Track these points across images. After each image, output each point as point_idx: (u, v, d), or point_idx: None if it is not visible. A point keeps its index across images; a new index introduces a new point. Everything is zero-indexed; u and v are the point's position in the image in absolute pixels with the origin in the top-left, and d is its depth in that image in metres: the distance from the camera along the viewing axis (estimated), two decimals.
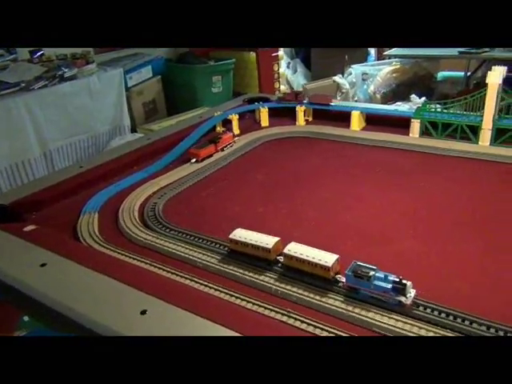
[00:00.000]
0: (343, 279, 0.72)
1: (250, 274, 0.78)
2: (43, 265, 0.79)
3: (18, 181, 2.06)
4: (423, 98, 2.80)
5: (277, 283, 0.75)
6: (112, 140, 2.44)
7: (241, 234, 0.82)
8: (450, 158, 1.25)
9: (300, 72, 4.22)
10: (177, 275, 0.79)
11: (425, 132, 1.37)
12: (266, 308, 0.70)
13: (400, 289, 0.67)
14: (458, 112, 1.33)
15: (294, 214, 1.01)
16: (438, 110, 1.36)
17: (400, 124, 1.41)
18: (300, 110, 1.53)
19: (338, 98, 3.71)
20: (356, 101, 3.56)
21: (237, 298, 0.72)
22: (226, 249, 0.86)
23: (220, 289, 0.74)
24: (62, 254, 0.81)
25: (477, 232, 0.91)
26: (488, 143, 1.26)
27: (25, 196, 1.08)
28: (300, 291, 0.73)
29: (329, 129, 1.47)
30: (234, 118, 1.51)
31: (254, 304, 0.71)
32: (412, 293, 0.68)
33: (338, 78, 3.76)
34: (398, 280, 0.68)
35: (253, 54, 3.18)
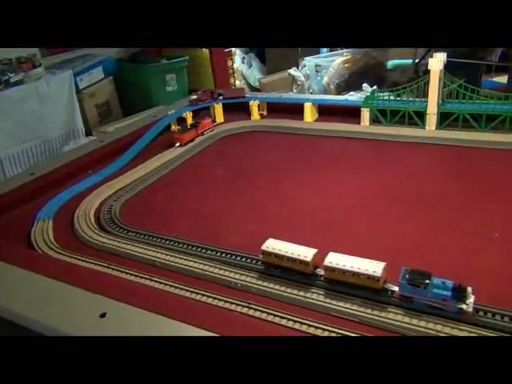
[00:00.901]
0: (393, 287, 0.67)
1: (211, 270, 0.79)
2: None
3: None
4: (374, 87, 2.87)
5: (237, 276, 0.76)
6: (66, 145, 2.38)
7: (275, 246, 0.75)
8: (400, 144, 1.30)
9: (255, 66, 4.23)
10: (136, 276, 0.79)
11: (375, 120, 1.41)
12: (225, 301, 0.71)
13: (461, 296, 0.62)
14: (405, 99, 1.38)
15: (253, 207, 1.03)
16: (386, 97, 1.41)
17: (351, 113, 1.45)
18: (254, 105, 1.55)
19: (294, 91, 3.76)
20: (311, 93, 3.61)
21: (197, 294, 0.73)
22: (185, 246, 0.86)
23: (181, 286, 0.75)
24: (17, 264, 0.79)
25: (426, 211, 0.95)
26: (434, 127, 1.32)
27: None
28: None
29: (283, 122, 1.50)
30: (188, 115, 1.50)
31: (219, 300, 0.71)
32: (472, 298, 0.62)
33: (292, 71, 3.80)
34: (457, 286, 0.62)
35: (206, 51, 3.16)
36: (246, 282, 0.75)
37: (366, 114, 1.40)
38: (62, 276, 0.75)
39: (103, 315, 0.66)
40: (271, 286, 0.74)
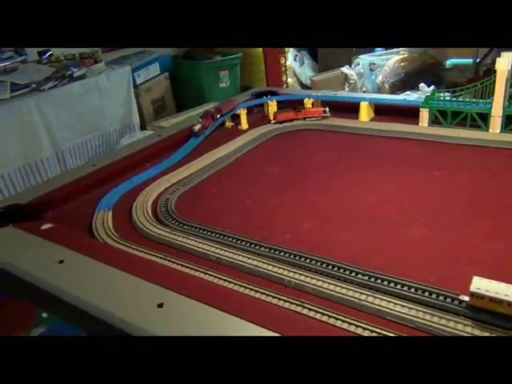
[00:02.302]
0: None
1: (265, 267, 0.79)
2: (61, 261, 0.81)
3: (32, 180, 2.09)
4: (432, 87, 2.77)
5: (290, 274, 0.76)
6: (122, 138, 2.47)
7: (487, 287, 0.62)
8: (461, 146, 1.25)
9: (307, 64, 4.20)
10: (191, 269, 0.81)
11: (434, 121, 1.36)
12: (279, 299, 0.71)
13: None
14: (468, 100, 1.32)
15: (307, 205, 1.02)
16: (447, 98, 1.36)
17: (409, 113, 1.41)
18: (308, 103, 1.54)
19: (346, 89, 3.70)
20: (364, 91, 3.55)
21: (251, 290, 0.74)
22: (239, 241, 0.87)
23: (234, 281, 0.76)
24: (80, 251, 0.83)
25: (487, 218, 0.91)
26: (498, 130, 1.26)
27: (40, 195, 1.10)
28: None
29: (338, 121, 1.48)
30: (243, 112, 1.51)
31: (273, 298, 0.72)
32: None
33: (345, 69, 3.74)
34: None
35: (259, 48, 3.18)
36: (299, 280, 0.75)
37: (425, 114, 1.36)
38: (121, 264, 0.78)
39: (161, 305, 0.68)
40: (325, 286, 0.73)
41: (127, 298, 0.70)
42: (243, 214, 1.00)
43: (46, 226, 0.94)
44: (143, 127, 2.66)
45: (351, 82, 3.71)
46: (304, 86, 4.10)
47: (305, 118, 1.47)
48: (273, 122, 1.48)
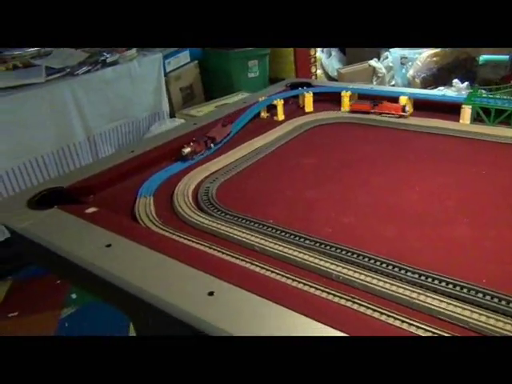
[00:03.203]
0: None
1: (311, 260, 0.79)
2: (109, 245, 0.82)
3: (65, 165, 2.12)
4: (466, 83, 2.72)
5: (338, 268, 0.76)
6: (151, 126, 2.48)
7: None
8: (504, 145, 1.22)
9: (334, 56, 4.16)
10: (236, 258, 0.81)
11: (476, 118, 1.33)
12: (328, 293, 0.70)
13: None
14: None
15: (345, 199, 1.01)
16: (490, 95, 1.32)
17: (447, 110, 1.38)
18: (345, 96, 1.52)
19: (374, 83, 3.65)
20: (393, 85, 3.49)
21: (299, 282, 0.74)
22: (283, 233, 0.87)
23: (281, 273, 0.76)
24: (126, 236, 0.84)
25: None
26: None
27: (81, 180, 1.11)
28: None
29: (376, 115, 1.45)
30: (279, 103, 1.50)
31: (316, 289, 0.72)
32: None
33: (373, 62, 3.69)
34: None
35: None
36: (348, 275, 0.74)
37: (467, 111, 1.33)
38: (168, 251, 0.79)
39: (211, 293, 0.68)
40: (374, 282, 0.72)
41: (177, 284, 0.71)
42: (284, 206, 1.00)
43: (90, 210, 0.95)
44: (172, 115, 2.67)
45: (379, 75, 3.66)
46: (331, 78, 4.06)
47: (380, 114, 1.43)
48: (345, 110, 1.48)
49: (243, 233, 0.88)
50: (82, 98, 2.16)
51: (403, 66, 3.37)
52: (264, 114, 1.54)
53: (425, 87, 3.08)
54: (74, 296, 1.87)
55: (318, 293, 0.71)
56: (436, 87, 2.90)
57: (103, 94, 2.26)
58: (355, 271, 0.75)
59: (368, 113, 1.45)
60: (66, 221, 0.92)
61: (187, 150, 1.19)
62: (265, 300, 0.65)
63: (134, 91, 2.42)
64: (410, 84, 3.25)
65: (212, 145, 1.27)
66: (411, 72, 3.26)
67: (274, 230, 0.89)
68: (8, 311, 1.84)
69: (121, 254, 0.80)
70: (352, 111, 1.48)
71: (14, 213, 0.97)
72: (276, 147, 1.30)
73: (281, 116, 1.51)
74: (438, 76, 3.14)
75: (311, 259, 0.79)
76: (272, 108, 1.55)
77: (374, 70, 3.72)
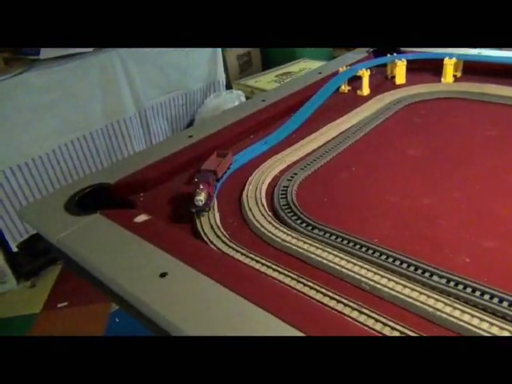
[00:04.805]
0: None
1: (450, 312, 0.54)
2: (163, 275, 0.62)
3: (114, 142, 1.95)
4: None
5: (494, 330, 0.51)
6: (207, 98, 2.26)
7: None
8: None
9: None
10: (337, 301, 0.58)
11: None
12: None
13: None
14: None
15: (479, 210, 0.74)
16: None
17: None
18: (449, 64, 1.21)
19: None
20: None
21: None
22: (399, 263, 0.62)
23: (402, 329, 0.52)
24: (185, 260, 0.63)
25: None
26: None
27: (131, 173, 0.91)
28: None
29: (489, 87, 1.15)
30: (365, 73, 1.22)
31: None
32: None
33: None
34: None
35: None
36: None
37: None
38: (243, 288, 0.57)
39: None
40: None
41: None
42: (390, 218, 0.75)
43: (140, 219, 0.75)
44: (228, 86, 2.43)
45: None
46: None
47: None
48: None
49: (342, 259, 0.65)
50: (133, 69, 1.96)
51: None
52: (344, 88, 1.27)
53: None
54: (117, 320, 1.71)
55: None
56: None
57: (155, 63, 2.05)
58: None
59: None
60: (109, 234, 0.72)
61: (202, 196, 0.76)
62: None
63: (188, 61, 2.19)
64: None
65: (216, 182, 0.85)
66: None
67: (384, 257, 0.64)
68: (57, 300, 1.74)
69: (179, 288, 0.59)
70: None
71: (48, 218, 0.79)
72: (365, 132, 1.03)
73: (366, 90, 1.23)
74: None
75: (448, 310, 0.54)
76: (352, 80, 1.28)
77: None
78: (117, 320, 1.61)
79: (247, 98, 2.22)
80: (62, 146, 1.78)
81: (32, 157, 1.70)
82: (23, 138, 1.66)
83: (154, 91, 2.07)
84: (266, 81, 2.35)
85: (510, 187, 0.79)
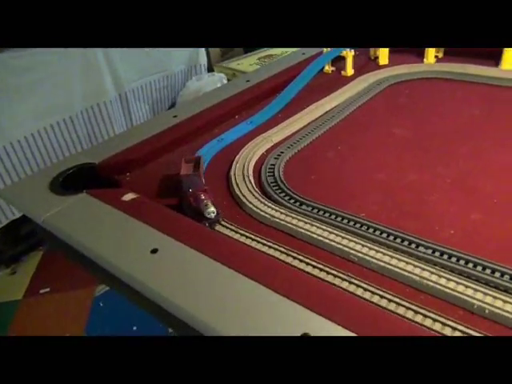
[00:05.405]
0: None
1: (436, 280, 0.56)
2: (154, 251, 0.62)
3: (95, 125, 1.92)
4: None
5: (486, 299, 0.53)
6: (188, 81, 2.23)
7: None
8: None
9: None
10: (327, 273, 0.59)
11: None
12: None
13: None
14: None
15: (464, 185, 0.76)
16: None
17: None
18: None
19: None
20: None
21: (424, 316, 0.52)
22: (387, 236, 0.64)
23: (398, 300, 0.54)
24: (176, 237, 0.63)
25: None
26: None
27: (115, 154, 0.90)
28: None
29: (469, 67, 1.17)
30: (349, 54, 1.23)
31: (454, 329, 0.49)
32: None
33: None
34: None
35: None
36: (495, 307, 0.51)
37: None
38: (233, 260, 0.58)
39: (305, 336, 0.47)
40: None
41: (265, 321, 0.50)
42: (377, 194, 0.76)
43: (128, 197, 0.74)
44: (210, 69, 2.40)
45: None
46: None
47: None
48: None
49: (330, 233, 0.66)
50: (113, 51, 1.91)
51: None
52: (328, 68, 1.28)
53: None
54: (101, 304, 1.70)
55: (456, 334, 0.48)
56: None
57: None
58: (505, 301, 0.52)
59: None
60: (97, 212, 0.72)
61: (211, 208, 0.69)
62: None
63: None
64: None
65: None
66: None
67: (373, 231, 0.66)
68: (39, 286, 1.71)
69: (170, 264, 0.59)
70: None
71: (33, 199, 0.78)
72: (350, 111, 1.04)
73: (350, 71, 1.24)
74: None
75: (435, 278, 0.56)
76: (336, 61, 1.28)
77: None
78: (101, 304, 1.60)
79: (229, 81, 2.20)
80: (41, 130, 1.74)
81: (10, 140, 1.66)
82: (1, 122, 1.61)
83: (134, 73, 2.03)
84: (248, 63, 2.33)
85: (494, 164, 0.81)
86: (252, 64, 2.32)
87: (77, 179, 0.84)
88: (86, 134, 1.90)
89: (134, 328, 1.49)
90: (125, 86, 2.00)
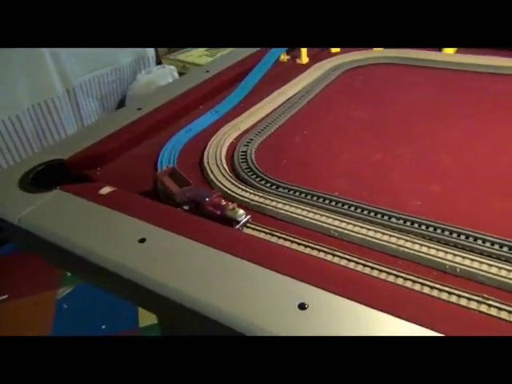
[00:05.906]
0: None
1: (410, 246, 0.61)
2: (142, 240, 0.63)
3: (43, 123, 1.85)
4: None
5: (456, 259, 0.59)
6: (138, 74, 2.19)
7: None
8: None
9: None
10: (312, 248, 0.63)
11: None
12: (450, 293, 0.54)
13: None
14: None
15: (423, 161, 0.82)
16: None
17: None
18: None
19: None
20: None
21: (405, 279, 0.57)
22: (359, 210, 0.69)
23: (379, 267, 0.58)
24: (163, 225, 0.65)
25: None
26: None
27: (83, 149, 0.89)
28: None
29: (415, 52, 1.24)
30: None
31: (432, 288, 0.55)
32: None
33: None
34: None
35: None
36: (465, 266, 0.57)
37: None
38: (226, 245, 0.60)
39: (302, 306, 0.50)
40: (503, 273, 0.56)
41: (257, 298, 0.53)
42: (346, 173, 0.81)
43: (105, 190, 0.74)
44: (158, 62, 2.37)
45: None
46: None
47: None
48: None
49: (308, 212, 0.70)
50: None
51: None
52: (284, 57, 1.31)
53: None
54: (69, 274, 1.67)
55: (434, 293, 0.54)
56: None
57: None
58: (473, 260, 0.58)
59: None
60: (75, 207, 0.71)
61: (239, 211, 0.66)
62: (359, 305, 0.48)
63: None
64: None
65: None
66: None
67: (347, 207, 0.70)
68: None
69: (160, 252, 0.61)
70: None
71: (2, 199, 0.76)
72: (311, 97, 1.08)
73: (305, 59, 1.28)
74: None
75: (409, 245, 0.61)
76: (290, 50, 1.32)
77: None
78: (65, 306, 1.56)
79: (180, 73, 2.19)
80: None
81: None
82: None
83: (81, 68, 1.97)
84: (197, 55, 2.32)
85: (451, 140, 0.88)
86: (201, 55, 2.32)
87: (47, 176, 0.82)
88: (35, 131, 1.83)
89: (103, 327, 1.47)
90: (72, 81, 1.94)
